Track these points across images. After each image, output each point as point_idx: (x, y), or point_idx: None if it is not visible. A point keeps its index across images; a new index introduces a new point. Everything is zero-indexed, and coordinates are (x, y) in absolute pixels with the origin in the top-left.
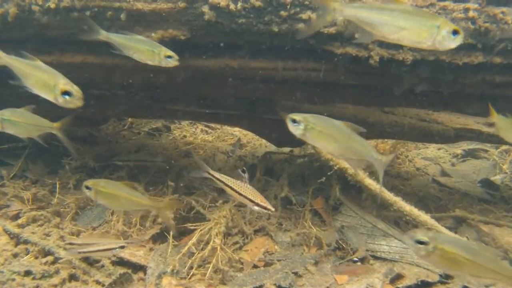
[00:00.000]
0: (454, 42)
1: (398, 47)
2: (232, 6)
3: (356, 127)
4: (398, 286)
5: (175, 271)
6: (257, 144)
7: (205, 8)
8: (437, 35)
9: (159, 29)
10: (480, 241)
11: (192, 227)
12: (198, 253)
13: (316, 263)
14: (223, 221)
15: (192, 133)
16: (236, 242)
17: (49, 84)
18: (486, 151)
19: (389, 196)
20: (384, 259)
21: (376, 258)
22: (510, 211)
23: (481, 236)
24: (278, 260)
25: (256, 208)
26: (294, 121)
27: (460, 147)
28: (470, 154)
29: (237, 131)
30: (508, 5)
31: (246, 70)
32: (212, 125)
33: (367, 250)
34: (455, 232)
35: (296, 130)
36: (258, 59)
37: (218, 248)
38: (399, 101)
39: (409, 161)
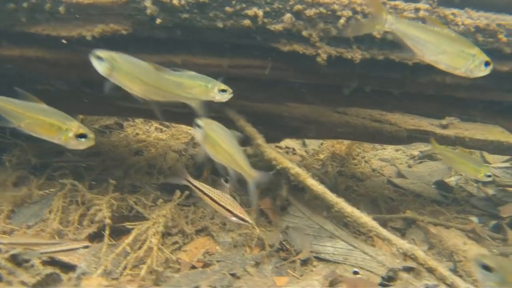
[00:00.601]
0: (483, 72)
1: (347, 45)
2: (175, 1)
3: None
4: None
5: (107, 271)
6: None
7: (148, 2)
8: (471, 64)
9: (100, 23)
10: (428, 242)
11: (130, 226)
12: (133, 253)
13: (257, 265)
14: (161, 220)
15: (145, 131)
16: (176, 242)
17: (61, 128)
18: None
19: (331, 197)
20: (328, 261)
21: (320, 259)
22: (461, 212)
23: (429, 237)
24: (218, 261)
25: (234, 219)
26: (99, 58)
27: (417, 149)
28: (427, 156)
29: (192, 130)
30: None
31: (191, 66)
32: (167, 123)
33: (311, 252)
34: (404, 234)
35: (100, 67)
36: (202, 56)
37: (155, 248)
38: (350, 101)
39: (365, 162)
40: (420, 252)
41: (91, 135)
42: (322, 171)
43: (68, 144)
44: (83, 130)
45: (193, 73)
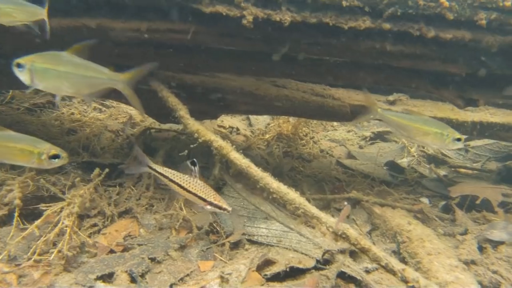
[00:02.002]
0: (457, 146)
1: (276, 6)
2: None
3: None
4: (266, 273)
5: (11, 257)
6: (151, 122)
7: None
8: (446, 140)
9: None
10: (371, 223)
11: (44, 208)
12: (44, 236)
13: (181, 248)
14: (77, 200)
15: (82, 110)
16: (95, 225)
17: (33, 153)
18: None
19: (256, 171)
20: (261, 244)
21: (252, 242)
22: (411, 193)
23: (373, 218)
24: (139, 245)
25: (209, 207)
26: (19, 66)
27: (369, 130)
28: (379, 137)
29: (133, 109)
30: None
31: (107, 31)
32: (107, 102)
33: (243, 234)
34: (348, 215)
35: (22, 76)
36: (119, 20)
37: (68, 230)
38: (282, 71)
39: (314, 143)
40: (351, 231)
41: (64, 154)
42: (267, 151)
43: (42, 166)
44: (55, 151)
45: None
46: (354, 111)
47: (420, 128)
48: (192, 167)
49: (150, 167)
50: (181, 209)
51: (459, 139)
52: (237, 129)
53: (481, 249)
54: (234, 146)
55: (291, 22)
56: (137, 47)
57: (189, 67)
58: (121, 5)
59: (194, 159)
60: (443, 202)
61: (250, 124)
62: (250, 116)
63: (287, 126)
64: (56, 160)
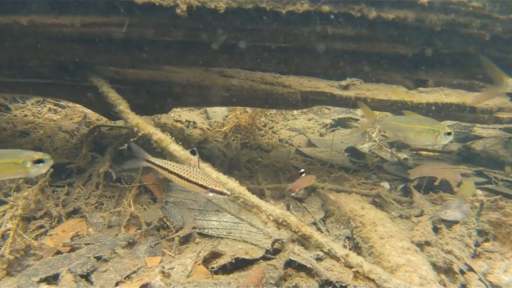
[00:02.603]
0: (447, 139)
1: None
2: None
3: None
4: (213, 266)
5: None
6: (106, 120)
7: None
8: (438, 136)
9: None
10: (324, 210)
11: None
12: None
13: (129, 245)
14: (21, 203)
15: (36, 112)
16: (41, 226)
17: (18, 163)
18: (356, 120)
19: (195, 162)
20: (211, 236)
21: (203, 235)
22: (369, 178)
23: (328, 204)
24: (86, 244)
25: (210, 194)
26: None
27: (330, 117)
28: (340, 124)
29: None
30: None
31: (40, 27)
32: (63, 103)
33: (194, 228)
34: (302, 202)
35: None
36: (52, 15)
37: (12, 234)
38: (223, 60)
39: (273, 133)
40: (292, 218)
41: (47, 157)
42: (224, 143)
43: (30, 173)
44: (38, 156)
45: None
46: (305, 98)
47: (415, 127)
48: (193, 157)
49: (148, 161)
50: (129, 205)
51: (449, 133)
52: (194, 122)
53: (436, 229)
54: (173, 139)
55: (227, 9)
56: (77, 43)
57: (134, 62)
58: (58, 1)
59: (194, 148)
60: (402, 185)
61: (208, 117)
62: (208, 109)
63: (245, 117)
64: (41, 164)
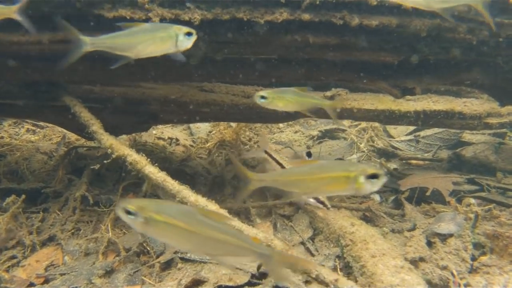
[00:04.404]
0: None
1: (183, 5)
2: None
3: None
4: None
5: None
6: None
7: None
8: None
9: None
10: (313, 228)
11: None
12: None
13: (107, 274)
14: None
15: (13, 133)
16: (13, 257)
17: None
18: (343, 130)
19: (173, 185)
20: (194, 261)
21: (185, 260)
22: None
23: (316, 222)
24: (61, 274)
25: (312, 200)
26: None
27: (316, 129)
28: (327, 135)
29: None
30: None
31: (6, 46)
32: (41, 123)
33: (175, 252)
34: (290, 220)
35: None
36: (18, 33)
37: None
38: (202, 74)
39: (259, 147)
40: (277, 242)
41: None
42: (208, 160)
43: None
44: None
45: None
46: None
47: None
48: (307, 158)
49: (266, 152)
50: (107, 231)
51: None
52: (177, 139)
53: (430, 244)
54: (148, 160)
55: (202, 21)
56: (45, 61)
57: (109, 79)
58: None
59: (310, 151)
60: (393, 197)
61: (191, 133)
62: (191, 125)
63: (229, 132)
64: (188, 37)
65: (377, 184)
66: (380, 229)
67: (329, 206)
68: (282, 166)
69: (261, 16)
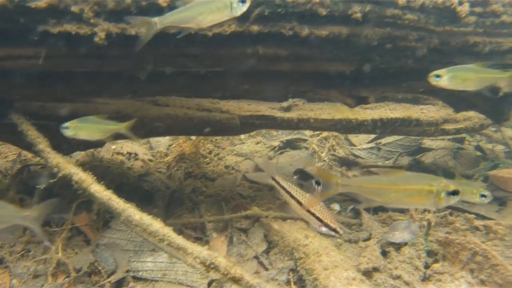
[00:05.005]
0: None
1: None
2: None
3: None
4: None
5: None
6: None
7: None
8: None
9: None
10: (268, 241)
11: None
12: None
13: None
14: None
15: None
16: None
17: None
18: (305, 140)
19: (118, 203)
20: (145, 280)
21: (137, 279)
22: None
23: (271, 235)
24: None
25: (324, 229)
26: None
27: (278, 139)
28: (289, 145)
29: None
30: None
31: None
32: None
33: (127, 271)
34: (246, 234)
35: None
36: None
37: None
38: (153, 89)
39: (219, 159)
40: (221, 259)
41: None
42: (167, 174)
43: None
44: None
45: None
46: (245, 122)
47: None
48: (316, 186)
49: (274, 179)
50: (57, 251)
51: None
52: (136, 154)
53: (385, 253)
54: (94, 178)
55: None
56: None
57: (58, 95)
58: None
59: (318, 180)
60: (352, 206)
61: (151, 147)
62: (151, 139)
63: (188, 145)
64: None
65: (454, 200)
66: (335, 240)
67: (341, 232)
68: (291, 195)
69: (209, 29)
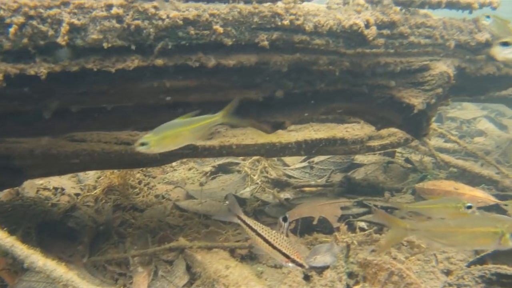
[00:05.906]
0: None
1: (29, 59)
2: None
3: None
4: None
5: None
6: None
7: None
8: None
9: None
10: (191, 273)
11: None
12: None
13: None
14: None
15: None
16: None
17: None
18: (237, 164)
19: (21, 250)
20: None
21: None
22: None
23: (195, 266)
24: None
25: (290, 265)
26: None
27: (210, 164)
28: (221, 170)
29: None
30: None
31: None
32: None
33: None
34: (171, 267)
35: None
36: None
37: None
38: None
39: (149, 189)
40: None
41: None
42: (95, 208)
43: None
44: None
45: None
46: (164, 153)
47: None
48: (283, 223)
49: (239, 217)
50: None
51: None
52: (62, 189)
53: (307, 277)
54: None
55: (49, 74)
56: None
57: None
58: None
59: (287, 215)
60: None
61: (79, 181)
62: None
63: (116, 176)
64: None
65: None
66: (255, 269)
67: (306, 266)
68: (257, 233)
69: (112, 65)
